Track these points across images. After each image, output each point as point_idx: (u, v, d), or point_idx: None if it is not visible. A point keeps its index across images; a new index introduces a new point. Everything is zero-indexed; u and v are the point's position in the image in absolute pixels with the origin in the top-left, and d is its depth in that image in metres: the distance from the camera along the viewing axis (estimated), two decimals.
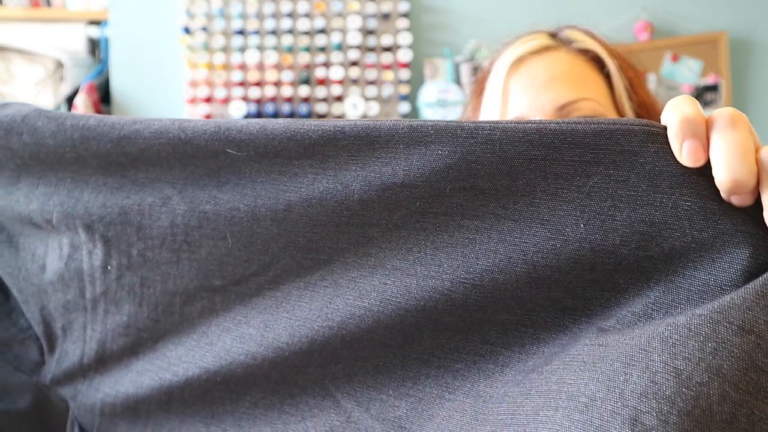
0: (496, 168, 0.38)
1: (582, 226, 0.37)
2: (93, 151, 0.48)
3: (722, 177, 0.32)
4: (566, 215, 0.37)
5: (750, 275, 0.33)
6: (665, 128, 0.35)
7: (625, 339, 0.34)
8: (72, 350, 0.54)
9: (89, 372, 0.54)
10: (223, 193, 0.45)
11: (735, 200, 0.33)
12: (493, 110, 0.75)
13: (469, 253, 0.39)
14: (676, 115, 0.34)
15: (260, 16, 1.86)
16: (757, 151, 0.32)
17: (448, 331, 0.41)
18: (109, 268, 0.51)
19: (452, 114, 1.82)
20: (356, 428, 0.44)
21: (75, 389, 0.55)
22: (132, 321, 0.51)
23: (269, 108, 1.85)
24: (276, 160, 0.43)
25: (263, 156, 0.43)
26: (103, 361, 0.53)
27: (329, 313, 0.43)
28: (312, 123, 0.42)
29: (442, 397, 0.41)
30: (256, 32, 1.86)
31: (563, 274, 0.37)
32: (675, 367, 0.30)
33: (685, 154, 0.33)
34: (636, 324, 0.35)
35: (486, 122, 0.38)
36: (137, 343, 0.51)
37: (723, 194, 0.33)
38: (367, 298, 0.42)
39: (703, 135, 0.33)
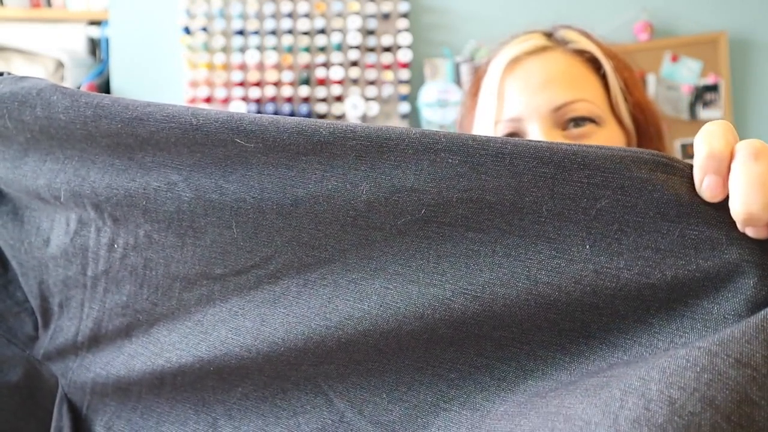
0: (505, 182, 0.38)
1: (588, 247, 0.37)
2: (103, 130, 0.47)
3: (737, 209, 0.33)
4: (572, 235, 0.37)
5: (754, 305, 0.33)
6: (675, 160, 0.36)
7: (629, 370, 0.34)
8: (67, 327, 0.54)
9: (81, 350, 0.54)
10: (229, 183, 0.45)
11: (749, 232, 0.34)
12: (488, 111, 0.75)
13: (473, 264, 0.39)
14: (704, 148, 0.34)
15: (260, 17, 1.87)
16: None
17: (443, 343, 0.41)
18: (115, 246, 0.51)
19: (452, 114, 1.82)
20: (349, 429, 0.44)
21: (66, 366, 0.55)
22: (131, 302, 0.51)
23: (269, 108, 1.85)
24: (284, 153, 0.43)
25: (271, 149, 0.43)
26: (96, 341, 0.53)
27: (327, 313, 0.43)
28: (324, 121, 0.42)
29: (437, 406, 0.42)
30: (256, 32, 1.86)
31: (564, 294, 0.37)
32: (669, 396, 0.30)
33: (705, 189, 0.34)
34: (642, 354, 0.36)
35: (498, 137, 0.39)
36: (132, 324, 0.51)
37: (738, 225, 0.34)
38: (367, 301, 0.42)
39: (725, 172, 0.34)
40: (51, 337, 0.56)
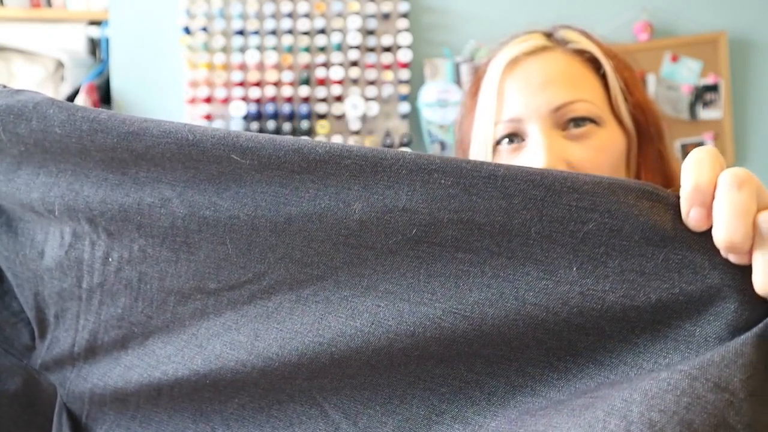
0: (495, 204, 0.39)
1: (574, 269, 0.38)
2: (99, 144, 0.47)
3: (718, 236, 0.34)
4: (560, 257, 0.38)
5: (734, 329, 0.35)
6: (660, 189, 0.37)
7: (613, 391, 0.35)
8: (63, 338, 0.55)
9: (78, 361, 0.55)
10: (222, 200, 0.45)
11: (732, 258, 0.35)
12: (487, 111, 0.75)
13: (463, 285, 0.40)
14: (691, 181, 0.36)
15: (260, 17, 1.87)
16: (758, 212, 0.34)
17: (434, 359, 0.42)
18: (110, 259, 0.51)
19: (452, 114, 1.82)
20: None
21: (64, 376, 0.56)
22: (126, 314, 0.51)
23: (269, 108, 1.85)
24: (278, 171, 0.43)
25: (266, 166, 0.43)
26: (93, 352, 0.54)
27: (320, 330, 0.44)
28: (322, 141, 0.43)
29: (429, 419, 0.42)
30: (256, 32, 1.86)
31: (551, 315, 0.39)
32: (650, 419, 0.32)
33: (690, 219, 0.36)
34: (627, 374, 0.37)
35: (491, 162, 0.40)
36: (128, 336, 0.52)
37: (721, 251, 0.35)
38: (359, 319, 0.43)
39: (710, 203, 0.35)
40: (48, 347, 0.56)
